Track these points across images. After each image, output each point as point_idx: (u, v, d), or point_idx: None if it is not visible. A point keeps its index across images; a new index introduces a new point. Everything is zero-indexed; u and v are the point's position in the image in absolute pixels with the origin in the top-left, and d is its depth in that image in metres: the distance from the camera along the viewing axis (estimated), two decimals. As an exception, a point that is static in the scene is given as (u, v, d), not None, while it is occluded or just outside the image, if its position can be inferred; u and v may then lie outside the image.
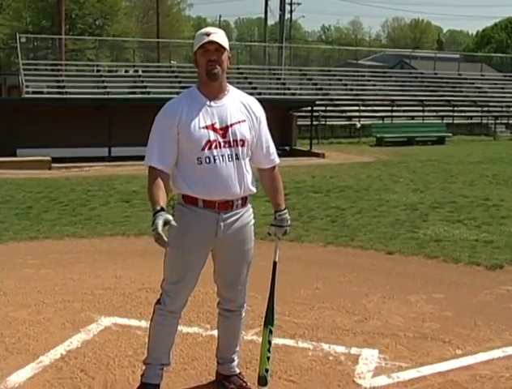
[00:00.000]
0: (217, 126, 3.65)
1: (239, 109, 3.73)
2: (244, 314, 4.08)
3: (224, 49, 3.65)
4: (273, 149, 3.94)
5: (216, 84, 3.68)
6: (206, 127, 3.63)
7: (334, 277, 6.67)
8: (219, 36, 3.62)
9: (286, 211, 4.05)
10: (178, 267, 3.76)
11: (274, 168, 3.98)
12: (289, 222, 4.10)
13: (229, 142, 3.66)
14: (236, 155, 3.68)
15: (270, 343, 3.95)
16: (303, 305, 5.73)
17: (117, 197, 11.94)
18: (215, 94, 3.69)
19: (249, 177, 3.78)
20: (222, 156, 3.63)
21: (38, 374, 4.28)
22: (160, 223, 3.33)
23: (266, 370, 3.93)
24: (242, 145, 3.70)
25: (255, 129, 3.78)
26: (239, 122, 3.69)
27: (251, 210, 3.95)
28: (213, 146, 3.62)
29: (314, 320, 5.34)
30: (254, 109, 3.80)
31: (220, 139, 3.65)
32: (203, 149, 3.61)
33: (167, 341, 3.93)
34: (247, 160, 3.77)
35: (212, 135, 3.63)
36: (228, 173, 3.65)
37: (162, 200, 3.51)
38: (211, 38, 3.59)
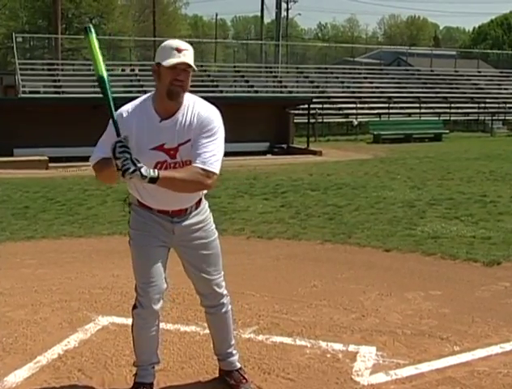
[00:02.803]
0: (166, 146, 3.58)
1: (188, 125, 3.58)
2: (229, 307, 4.07)
3: (192, 69, 3.53)
4: (209, 155, 3.52)
5: (173, 103, 3.57)
6: (156, 148, 3.58)
7: (331, 275, 6.66)
8: (189, 55, 3.51)
9: (155, 173, 3.40)
10: (144, 264, 3.78)
11: (202, 169, 3.50)
12: (143, 168, 3.35)
13: (179, 162, 3.61)
14: None
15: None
16: (300, 302, 5.72)
17: (115, 196, 11.89)
18: (168, 112, 3.59)
19: None
20: None
21: (35, 373, 4.27)
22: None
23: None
24: (189, 165, 3.60)
25: (193, 141, 3.59)
26: (186, 142, 3.58)
27: (206, 205, 3.93)
28: (163, 167, 3.56)
29: (312, 318, 5.33)
30: (201, 123, 3.58)
31: (170, 160, 3.60)
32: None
33: (152, 343, 3.95)
34: None
35: (162, 156, 3.58)
36: (178, 193, 3.61)
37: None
38: (183, 59, 3.46)
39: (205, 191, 3.85)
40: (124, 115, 3.64)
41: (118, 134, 3.46)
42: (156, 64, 3.55)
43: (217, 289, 3.96)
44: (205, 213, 3.90)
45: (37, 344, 4.75)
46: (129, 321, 5.12)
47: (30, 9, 58.43)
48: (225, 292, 4.01)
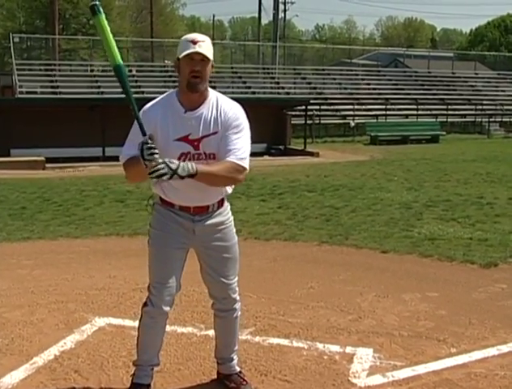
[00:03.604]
0: (191, 137, 3.60)
1: (214, 119, 3.63)
2: (239, 313, 4.06)
3: (209, 60, 3.56)
4: (241, 151, 3.62)
5: (196, 95, 3.61)
6: (181, 139, 3.60)
7: (328, 276, 6.65)
8: (205, 46, 3.54)
9: (193, 169, 3.40)
10: (161, 264, 3.78)
11: (237, 164, 3.58)
12: (179, 168, 3.36)
13: (202, 154, 3.63)
14: None
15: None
16: (297, 304, 5.72)
17: (112, 197, 11.91)
18: (192, 104, 3.63)
19: None
20: None
21: (31, 375, 4.26)
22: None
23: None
24: (213, 158, 3.64)
25: (222, 136, 3.63)
26: (211, 135, 3.61)
27: (228, 208, 3.94)
28: (187, 158, 3.59)
29: (309, 319, 5.33)
30: (229, 118, 3.64)
31: (194, 151, 3.62)
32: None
33: (156, 343, 3.95)
34: None
35: (186, 147, 3.60)
36: (201, 185, 3.59)
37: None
38: (198, 49, 3.50)
39: (229, 191, 3.85)
40: (148, 110, 3.68)
41: (144, 133, 3.44)
42: (177, 59, 3.59)
43: (232, 294, 3.95)
44: (227, 215, 3.89)
45: (33, 345, 4.74)
46: (126, 322, 5.16)
47: (27, 9, 58.33)
48: (238, 297, 4.01)
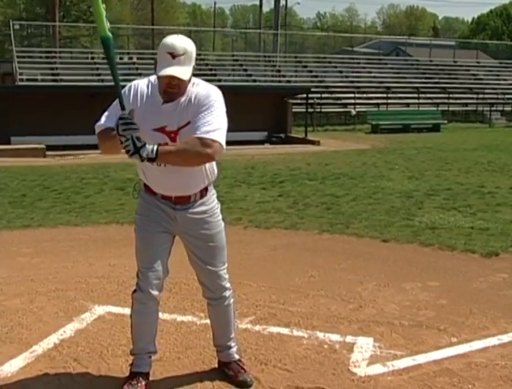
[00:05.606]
0: (168, 128, 3.55)
1: (186, 107, 3.53)
2: (231, 300, 4.04)
3: (185, 80, 3.46)
4: (206, 125, 3.45)
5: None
6: (158, 130, 3.55)
7: (329, 265, 6.64)
8: (184, 59, 3.40)
9: (153, 153, 3.38)
10: (146, 249, 3.80)
11: (201, 138, 3.43)
12: (142, 149, 3.37)
13: None
14: None
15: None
16: (298, 293, 5.70)
17: (112, 185, 11.89)
18: (171, 99, 3.54)
19: (204, 172, 3.71)
20: None
21: (31, 363, 4.25)
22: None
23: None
24: None
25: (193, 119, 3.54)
26: (186, 125, 3.53)
27: (214, 196, 3.90)
28: None
29: (309, 308, 5.31)
30: (198, 101, 3.52)
31: (171, 143, 3.55)
32: None
33: (150, 329, 3.95)
34: None
35: (163, 138, 3.54)
36: (180, 175, 3.59)
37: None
38: (174, 72, 3.37)
39: (212, 179, 3.80)
40: (132, 89, 3.63)
41: (123, 107, 3.43)
42: (156, 62, 3.50)
43: (220, 282, 3.93)
44: (211, 204, 3.86)
45: (33, 334, 4.73)
46: (125, 310, 5.12)
47: (28, -4, 58.26)
48: (228, 285, 3.98)
